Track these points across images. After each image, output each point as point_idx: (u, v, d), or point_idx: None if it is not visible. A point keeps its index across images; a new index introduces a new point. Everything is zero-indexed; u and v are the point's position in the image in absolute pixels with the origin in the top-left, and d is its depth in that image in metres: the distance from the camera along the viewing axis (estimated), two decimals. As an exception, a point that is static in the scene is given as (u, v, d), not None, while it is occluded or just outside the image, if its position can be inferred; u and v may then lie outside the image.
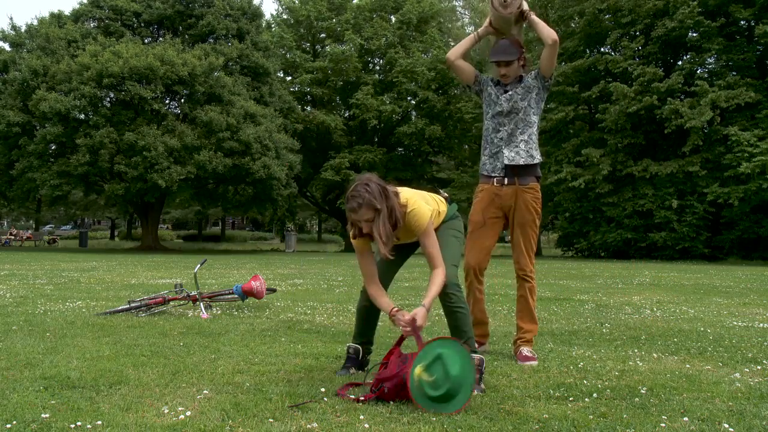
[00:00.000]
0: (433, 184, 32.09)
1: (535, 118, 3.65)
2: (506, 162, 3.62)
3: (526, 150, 3.61)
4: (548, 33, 3.53)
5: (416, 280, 9.85)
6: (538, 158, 3.65)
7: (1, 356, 3.37)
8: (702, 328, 4.78)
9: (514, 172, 3.63)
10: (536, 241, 3.72)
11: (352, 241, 2.97)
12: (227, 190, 27.35)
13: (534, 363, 3.39)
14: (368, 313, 3.17)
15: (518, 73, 3.66)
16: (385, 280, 3.14)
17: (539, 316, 5.37)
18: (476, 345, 3.69)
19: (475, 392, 2.70)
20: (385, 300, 2.95)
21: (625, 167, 23.13)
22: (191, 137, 23.07)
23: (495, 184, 3.66)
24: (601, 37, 25.32)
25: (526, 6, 3.61)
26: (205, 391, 2.68)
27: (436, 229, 3.09)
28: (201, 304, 5.29)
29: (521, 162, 3.60)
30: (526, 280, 3.67)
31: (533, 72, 3.67)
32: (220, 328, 4.48)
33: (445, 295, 2.99)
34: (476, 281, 3.73)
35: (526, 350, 3.53)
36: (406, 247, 3.20)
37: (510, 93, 3.64)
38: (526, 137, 3.62)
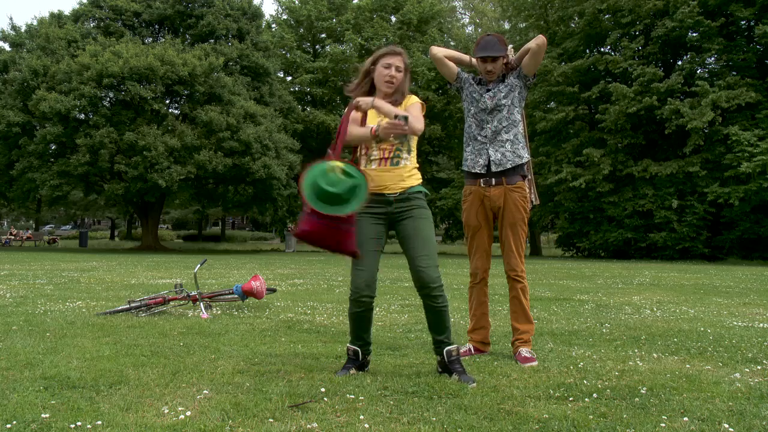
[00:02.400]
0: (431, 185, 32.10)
1: (519, 117, 3.66)
2: (493, 168, 3.60)
3: (512, 150, 3.60)
4: (533, 41, 3.55)
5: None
6: (526, 157, 3.64)
7: (1, 356, 3.37)
8: (702, 328, 4.78)
9: (501, 172, 3.63)
10: (525, 240, 3.71)
11: (354, 112, 3.09)
12: (227, 190, 27.36)
13: (534, 363, 3.38)
14: (359, 318, 3.14)
15: (502, 72, 3.67)
16: (375, 268, 3.12)
17: (539, 316, 5.37)
18: (473, 351, 3.67)
19: (470, 385, 2.81)
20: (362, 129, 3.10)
21: (625, 167, 23.14)
22: (191, 137, 23.07)
23: (482, 185, 3.64)
24: (601, 37, 25.33)
25: (511, 57, 3.68)
26: (205, 391, 2.68)
27: (408, 212, 3.09)
28: (201, 304, 5.29)
29: (509, 165, 3.59)
30: (518, 281, 3.65)
31: (516, 71, 3.67)
32: (220, 328, 4.48)
33: (432, 297, 3.03)
34: (482, 284, 3.74)
35: (524, 351, 3.52)
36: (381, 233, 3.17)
37: (493, 91, 3.65)
38: (511, 137, 3.61)
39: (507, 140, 3.60)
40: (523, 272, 3.66)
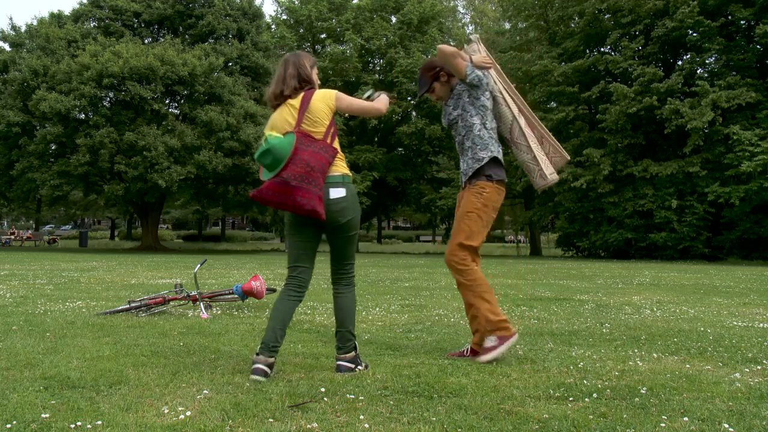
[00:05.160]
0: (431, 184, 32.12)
1: (475, 120, 3.66)
2: (463, 179, 3.73)
3: (472, 156, 3.66)
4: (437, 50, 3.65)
5: (416, 280, 9.85)
6: (486, 157, 3.62)
7: (1, 356, 3.37)
8: (702, 328, 4.78)
9: (468, 179, 3.72)
10: (475, 234, 3.59)
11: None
12: (227, 190, 27.36)
13: (489, 356, 3.42)
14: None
15: (449, 89, 3.76)
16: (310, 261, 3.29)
17: (539, 316, 5.38)
18: (467, 353, 3.63)
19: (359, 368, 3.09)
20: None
21: (625, 167, 23.15)
22: (191, 137, 23.08)
23: (462, 191, 3.79)
24: (601, 37, 25.33)
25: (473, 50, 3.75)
26: (205, 391, 2.68)
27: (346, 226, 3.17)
28: (201, 304, 5.29)
29: (470, 173, 3.67)
30: (453, 268, 3.62)
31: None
32: (220, 328, 4.48)
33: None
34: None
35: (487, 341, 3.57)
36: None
37: (445, 110, 3.80)
38: (470, 142, 3.67)
39: (468, 148, 3.68)
40: (456, 259, 3.58)
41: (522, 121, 3.75)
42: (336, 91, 3.22)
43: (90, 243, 36.69)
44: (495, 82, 3.74)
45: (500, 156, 3.65)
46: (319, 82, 3.32)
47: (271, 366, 3.00)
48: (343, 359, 3.13)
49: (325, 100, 3.14)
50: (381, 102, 3.32)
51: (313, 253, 3.27)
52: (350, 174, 3.20)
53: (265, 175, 3.07)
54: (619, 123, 22.77)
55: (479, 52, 3.74)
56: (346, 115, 34.12)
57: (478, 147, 3.63)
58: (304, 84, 3.17)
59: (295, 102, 3.14)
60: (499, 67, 3.82)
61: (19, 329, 4.30)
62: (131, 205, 27.41)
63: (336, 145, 3.14)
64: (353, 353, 3.15)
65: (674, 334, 4.46)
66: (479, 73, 3.62)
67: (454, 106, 3.71)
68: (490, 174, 3.62)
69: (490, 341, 3.46)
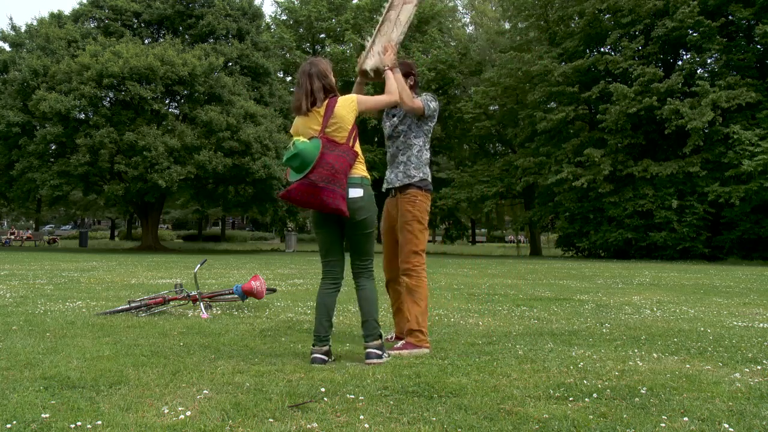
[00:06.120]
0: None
1: (417, 141, 3.88)
2: (385, 186, 3.95)
3: (403, 171, 3.87)
4: (387, 89, 3.70)
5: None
6: (418, 176, 3.83)
7: (1, 356, 3.38)
8: (702, 328, 4.78)
9: (395, 190, 3.92)
10: (421, 240, 3.82)
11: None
12: (227, 191, 27.35)
13: (382, 361, 3.54)
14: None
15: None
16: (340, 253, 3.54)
17: (539, 316, 5.38)
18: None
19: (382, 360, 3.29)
20: None
21: (625, 167, 23.15)
22: (191, 137, 23.07)
23: (389, 198, 3.98)
24: (601, 37, 25.33)
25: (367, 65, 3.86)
26: (205, 391, 2.68)
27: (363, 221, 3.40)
28: (201, 304, 5.29)
29: (397, 184, 3.87)
30: (405, 275, 3.79)
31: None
32: (220, 328, 4.48)
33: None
34: (394, 283, 4.00)
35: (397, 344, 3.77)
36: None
37: (393, 119, 3.95)
38: (405, 159, 3.88)
39: (401, 162, 3.90)
40: (410, 265, 3.78)
41: (390, 14, 4.01)
42: (355, 95, 3.50)
43: (90, 243, 36.69)
44: (383, 35, 3.97)
45: (428, 178, 3.90)
46: (335, 81, 3.55)
47: (327, 353, 3.35)
48: (371, 347, 3.34)
49: (348, 107, 3.42)
50: (391, 89, 3.61)
51: (340, 245, 3.53)
52: (368, 177, 3.47)
53: (292, 177, 3.32)
54: (619, 123, 22.77)
55: (377, 50, 3.90)
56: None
57: (413, 165, 3.87)
58: (329, 93, 3.46)
59: (321, 109, 3.40)
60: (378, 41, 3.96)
61: (19, 329, 4.30)
62: (131, 205, 27.40)
63: (357, 148, 3.42)
64: (379, 341, 3.37)
65: (674, 334, 4.46)
66: (434, 105, 3.91)
67: (402, 121, 3.90)
68: (421, 186, 3.86)
69: (400, 342, 3.75)
